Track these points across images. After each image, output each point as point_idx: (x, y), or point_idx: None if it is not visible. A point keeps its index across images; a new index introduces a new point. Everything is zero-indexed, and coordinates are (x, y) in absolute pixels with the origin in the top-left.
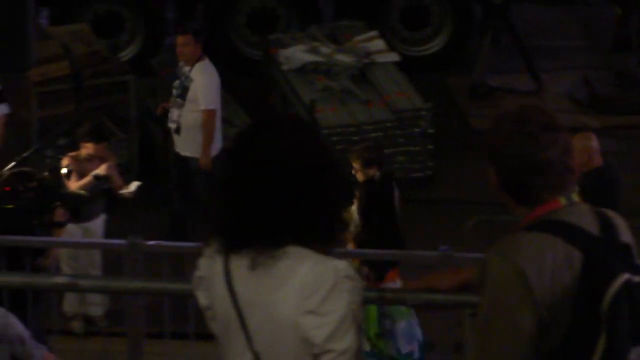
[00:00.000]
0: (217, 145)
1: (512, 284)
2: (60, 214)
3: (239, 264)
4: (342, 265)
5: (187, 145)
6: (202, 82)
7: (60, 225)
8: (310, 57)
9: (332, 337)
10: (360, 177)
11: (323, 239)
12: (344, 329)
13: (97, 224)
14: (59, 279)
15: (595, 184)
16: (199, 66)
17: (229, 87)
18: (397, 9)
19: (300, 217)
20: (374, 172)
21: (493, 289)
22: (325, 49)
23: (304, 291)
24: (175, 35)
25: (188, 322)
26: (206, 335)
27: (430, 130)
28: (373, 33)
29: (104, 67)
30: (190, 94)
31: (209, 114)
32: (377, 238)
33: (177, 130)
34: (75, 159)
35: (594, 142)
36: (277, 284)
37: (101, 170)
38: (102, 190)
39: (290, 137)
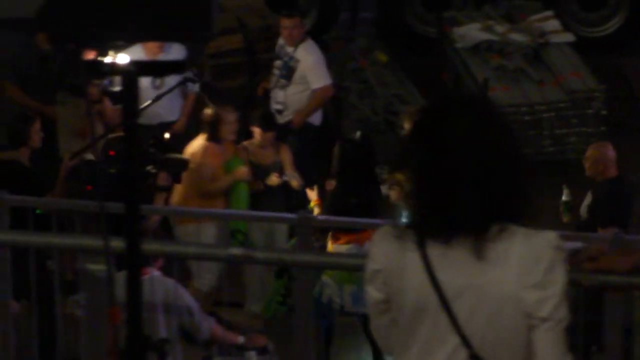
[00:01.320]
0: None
1: None
2: (163, 177)
3: (440, 250)
4: (552, 236)
5: None
6: (312, 61)
7: (163, 189)
8: (484, 36)
9: (556, 308)
10: None
11: (519, 215)
12: (564, 298)
13: None
14: (235, 251)
15: (608, 194)
16: (303, 46)
17: (403, 65)
18: None
19: (502, 195)
20: None
21: None
22: (499, 28)
23: (522, 266)
24: (284, 18)
25: None
26: None
27: (604, 112)
28: (548, 13)
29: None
30: (297, 75)
31: (327, 89)
32: (339, 199)
33: (281, 112)
34: (247, 149)
35: (610, 152)
36: (491, 264)
37: (293, 182)
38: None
39: (482, 116)
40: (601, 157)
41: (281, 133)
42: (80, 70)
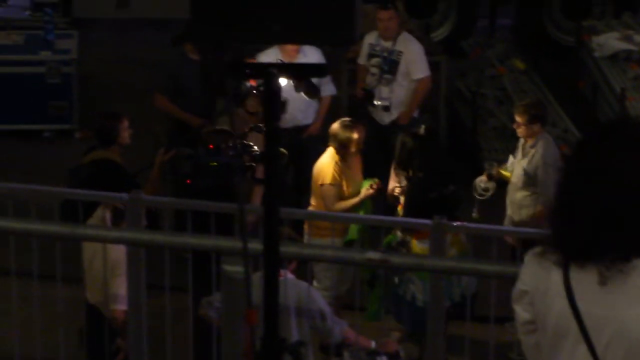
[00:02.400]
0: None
1: None
2: (261, 170)
3: (582, 278)
4: None
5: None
6: (416, 52)
7: (260, 182)
8: (623, 45)
9: None
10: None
11: None
12: None
13: None
14: (372, 255)
15: None
16: (403, 38)
17: (540, 72)
18: None
19: None
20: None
21: None
22: (638, 38)
23: None
24: (380, 11)
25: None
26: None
27: None
28: None
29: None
30: (401, 68)
31: (428, 79)
32: (419, 194)
33: (388, 108)
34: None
35: None
36: (631, 300)
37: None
38: None
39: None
40: None
41: (388, 133)
42: (224, 73)
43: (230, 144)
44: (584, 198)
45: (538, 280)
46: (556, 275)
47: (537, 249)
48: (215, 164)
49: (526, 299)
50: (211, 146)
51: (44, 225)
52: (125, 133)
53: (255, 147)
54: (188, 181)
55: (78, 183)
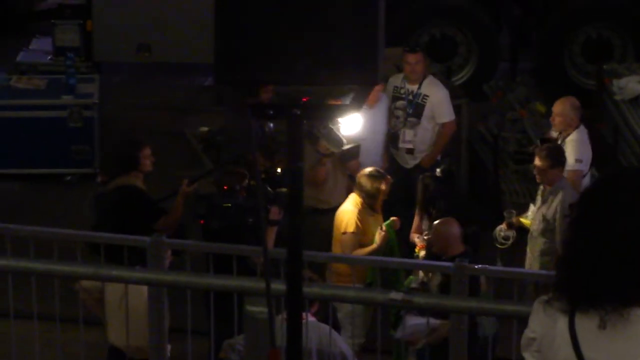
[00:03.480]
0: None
1: None
2: (274, 212)
3: (586, 325)
4: None
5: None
6: (440, 96)
7: (274, 223)
8: None
9: None
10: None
11: None
12: None
13: None
14: (395, 295)
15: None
16: (428, 82)
17: None
18: None
19: None
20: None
21: None
22: None
23: None
24: (408, 54)
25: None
26: None
27: None
28: None
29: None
30: (426, 111)
31: (453, 124)
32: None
33: (412, 150)
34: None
35: (455, 229)
36: (630, 349)
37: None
38: None
39: None
40: (445, 234)
41: (412, 176)
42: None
43: (244, 185)
44: (584, 246)
45: (545, 328)
46: (562, 323)
47: (544, 297)
48: (228, 205)
49: (534, 346)
50: (225, 187)
51: (67, 266)
52: (146, 160)
53: (270, 189)
54: (202, 222)
55: (103, 210)
